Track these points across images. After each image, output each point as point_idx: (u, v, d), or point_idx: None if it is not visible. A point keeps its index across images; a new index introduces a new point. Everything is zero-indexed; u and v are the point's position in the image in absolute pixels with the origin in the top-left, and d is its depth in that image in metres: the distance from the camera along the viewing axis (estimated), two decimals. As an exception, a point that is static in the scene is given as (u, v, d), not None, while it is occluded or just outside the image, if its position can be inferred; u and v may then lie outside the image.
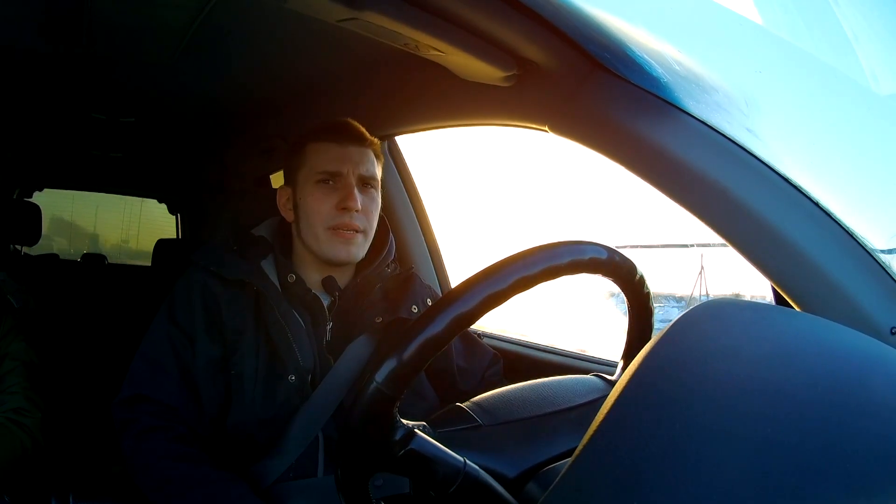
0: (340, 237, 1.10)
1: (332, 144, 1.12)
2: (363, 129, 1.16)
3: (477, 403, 0.68)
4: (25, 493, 1.27)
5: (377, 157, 1.16)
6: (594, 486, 0.45)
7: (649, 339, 0.72)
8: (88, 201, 3.79)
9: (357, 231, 1.11)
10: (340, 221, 1.09)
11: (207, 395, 1.07)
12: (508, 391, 0.71)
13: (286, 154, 1.20)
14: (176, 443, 1.02)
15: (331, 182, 1.11)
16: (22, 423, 1.29)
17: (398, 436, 0.58)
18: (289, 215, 1.16)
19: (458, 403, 0.68)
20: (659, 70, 0.79)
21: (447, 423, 0.64)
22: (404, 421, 0.60)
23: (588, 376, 0.76)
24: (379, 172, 1.16)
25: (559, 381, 0.74)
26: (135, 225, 3.83)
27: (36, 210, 2.67)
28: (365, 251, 1.14)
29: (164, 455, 1.01)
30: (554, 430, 0.66)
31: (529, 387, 0.72)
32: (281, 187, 1.19)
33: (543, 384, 0.73)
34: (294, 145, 1.17)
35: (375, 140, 1.17)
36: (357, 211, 1.10)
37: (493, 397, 0.69)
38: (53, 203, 3.49)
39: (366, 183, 1.13)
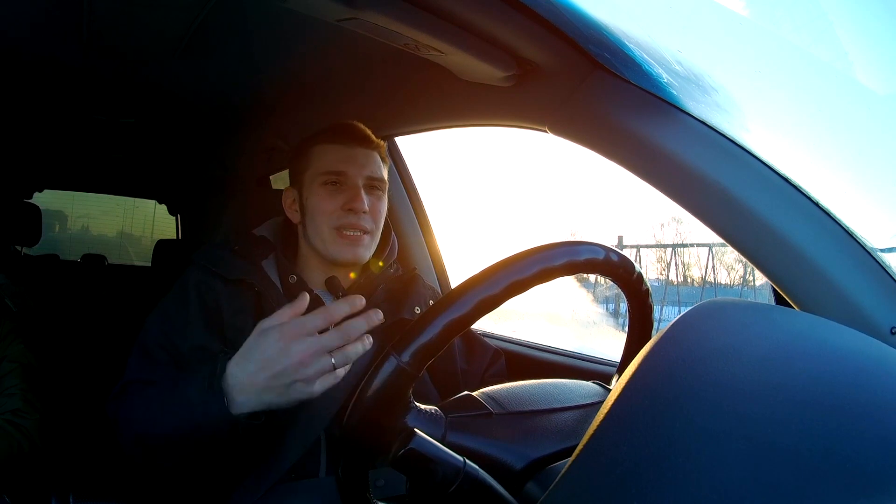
0: (346, 238, 1.10)
1: (338, 146, 1.13)
2: (369, 132, 1.16)
3: (487, 394, 0.68)
4: (25, 493, 1.27)
5: (383, 159, 1.17)
6: (594, 486, 0.45)
7: (650, 337, 0.72)
8: (87, 202, 3.80)
9: (364, 232, 1.11)
10: (346, 222, 1.10)
11: None
12: (516, 386, 0.71)
13: (292, 156, 1.20)
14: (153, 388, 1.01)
15: (336, 183, 1.11)
16: (19, 424, 1.29)
17: (409, 418, 0.59)
18: (294, 217, 1.17)
19: (468, 392, 0.68)
20: (659, 70, 0.79)
21: (458, 409, 0.65)
22: (417, 404, 0.60)
23: (589, 383, 0.76)
24: (385, 175, 1.16)
25: (564, 383, 0.74)
26: (133, 225, 3.84)
27: (36, 211, 2.67)
28: (371, 252, 1.15)
29: (143, 399, 1.00)
30: (562, 424, 0.67)
31: (536, 384, 0.73)
32: (287, 188, 1.19)
33: (549, 383, 0.73)
34: (300, 147, 1.18)
35: (381, 143, 1.17)
36: (364, 212, 1.10)
37: (502, 389, 0.70)
38: (53, 203, 3.50)
39: (372, 185, 1.13)
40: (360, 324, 0.83)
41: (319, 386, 0.84)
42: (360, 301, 0.84)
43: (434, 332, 0.56)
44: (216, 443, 0.91)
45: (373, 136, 1.16)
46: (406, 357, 0.56)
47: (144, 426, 0.97)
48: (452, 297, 0.56)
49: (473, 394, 0.68)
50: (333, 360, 0.83)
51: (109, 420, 1.04)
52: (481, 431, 0.63)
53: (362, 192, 1.10)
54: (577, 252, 0.61)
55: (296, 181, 1.17)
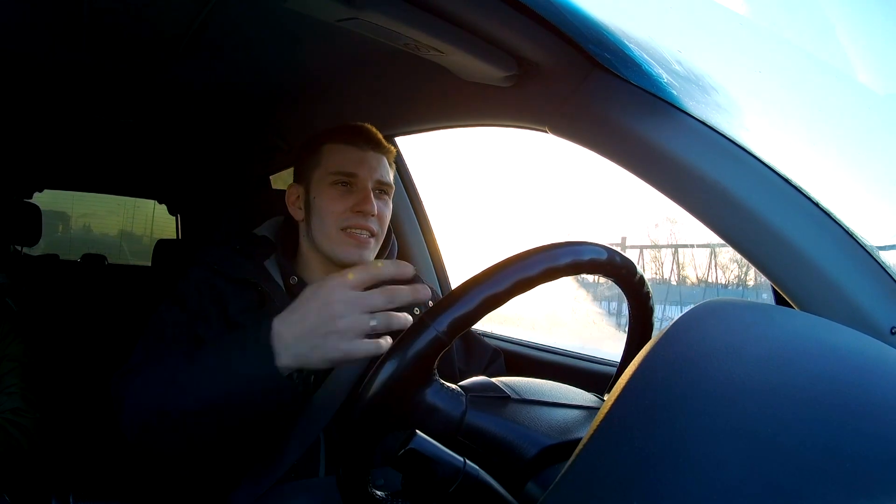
0: (353, 239, 1.09)
1: (351, 147, 1.12)
2: (381, 136, 1.16)
3: (502, 381, 0.68)
4: (25, 493, 1.27)
5: (391, 164, 1.17)
6: (594, 486, 0.45)
7: (650, 337, 0.72)
8: (87, 202, 3.80)
9: (371, 235, 1.11)
10: (354, 222, 1.09)
11: None
12: (530, 379, 0.72)
13: (299, 152, 1.20)
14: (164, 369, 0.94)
15: (347, 184, 1.11)
16: (19, 423, 1.29)
17: (430, 391, 0.60)
18: (298, 214, 1.16)
19: (485, 377, 0.69)
20: (659, 70, 0.79)
21: (478, 390, 0.65)
22: (439, 379, 0.61)
23: (589, 394, 0.77)
24: (392, 180, 1.16)
25: (572, 388, 0.75)
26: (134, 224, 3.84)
27: (36, 211, 2.67)
28: (374, 255, 1.14)
29: (163, 372, 0.93)
30: (574, 419, 0.67)
31: (548, 381, 0.73)
32: (291, 185, 1.18)
33: (559, 384, 0.74)
34: (309, 144, 1.17)
35: (392, 148, 1.17)
36: (373, 215, 1.10)
37: (517, 379, 0.70)
38: (53, 204, 3.50)
39: (380, 189, 1.13)
40: (406, 293, 0.80)
41: (357, 348, 0.81)
42: (409, 269, 0.81)
43: (471, 305, 0.56)
44: (253, 408, 0.87)
45: (384, 141, 1.16)
46: (443, 325, 0.56)
47: (163, 400, 0.90)
48: (490, 272, 0.57)
49: (490, 378, 0.68)
50: (375, 322, 0.80)
51: (112, 398, 0.96)
52: (500, 413, 0.64)
53: (372, 195, 1.10)
54: (602, 252, 0.62)
55: (302, 178, 1.16)
